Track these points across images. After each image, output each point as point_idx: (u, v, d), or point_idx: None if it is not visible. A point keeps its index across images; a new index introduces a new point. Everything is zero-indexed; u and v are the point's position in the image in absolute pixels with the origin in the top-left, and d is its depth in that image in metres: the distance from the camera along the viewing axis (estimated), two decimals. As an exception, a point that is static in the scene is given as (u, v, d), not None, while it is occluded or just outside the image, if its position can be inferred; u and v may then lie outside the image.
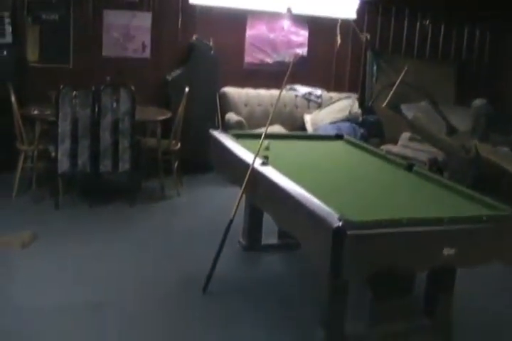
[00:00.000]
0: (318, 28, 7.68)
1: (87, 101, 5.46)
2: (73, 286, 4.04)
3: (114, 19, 7.02)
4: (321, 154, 4.80)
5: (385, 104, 6.63)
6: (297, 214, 3.46)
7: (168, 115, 6.10)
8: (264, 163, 4.06)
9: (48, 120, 5.59)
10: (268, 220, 4.39)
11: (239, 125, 6.53)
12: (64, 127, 5.40)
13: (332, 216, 3.14)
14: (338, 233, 3.04)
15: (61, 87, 5.38)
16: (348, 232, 3.04)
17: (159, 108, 6.44)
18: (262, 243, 4.81)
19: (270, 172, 3.88)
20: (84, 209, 5.53)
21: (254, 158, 4.05)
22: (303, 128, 7.03)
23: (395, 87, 6.62)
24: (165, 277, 4.25)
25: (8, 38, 6.54)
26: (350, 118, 6.94)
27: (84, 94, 5.44)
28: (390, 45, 8.01)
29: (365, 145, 5.04)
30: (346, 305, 3.44)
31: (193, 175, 6.59)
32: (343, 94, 7.49)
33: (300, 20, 7.62)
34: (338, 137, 5.25)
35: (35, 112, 5.74)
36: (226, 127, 6.02)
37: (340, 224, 3.05)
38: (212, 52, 6.96)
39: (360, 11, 7.58)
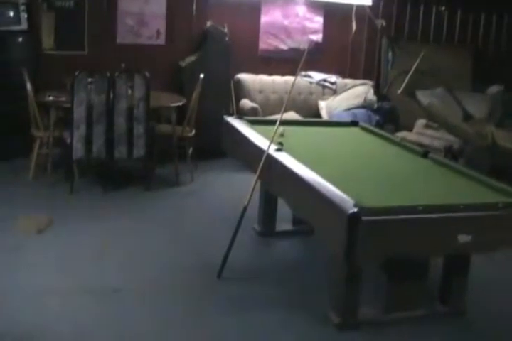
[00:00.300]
0: (334, 14, 7.62)
1: (102, 88, 5.46)
2: (89, 270, 4.07)
3: (129, 6, 7.01)
4: (336, 141, 4.79)
5: (400, 90, 6.57)
6: (312, 200, 3.46)
7: (183, 101, 6.09)
8: (279, 149, 4.06)
9: (63, 106, 5.61)
10: (282, 206, 4.41)
11: (253, 112, 6.51)
12: (79, 113, 5.41)
13: (347, 202, 3.15)
14: (353, 219, 3.05)
15: (76, 73, 5.39)
16: (363, 218, 3.05)
17: (173, 94, 6.44)
18: (277, 229, 4.81)
19: (285, 159, 3.89)
20: (98, 195, 5.55)
21: (269, 145, 4.05)
22: (317, 115, 7.00)
23: (410, 73, 6.55)
24: (180, 262, 4.27)
25: (24, 25, 6.54)
26: (365, 105, 6.89)
27: (99, 80, 5.45)
28: (406, 31, 7.94)
29: (380, 132, 5.02)
30: (359, 290, 3.45)
31: (207, 162, 6.58)
32: (358, 81, 7.44)
33: (315, 6, 7.57)
34: (354, 124, 5.23)
35: (51, 99, 5.76)
36: (240, 114, 6.00)
37: (356, 210, 3.06)
38: (226, 38, 6.93)
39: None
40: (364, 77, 7.62)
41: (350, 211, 3.06)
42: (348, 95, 7.10)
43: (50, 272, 4.02)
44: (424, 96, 6.55)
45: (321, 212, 3.39)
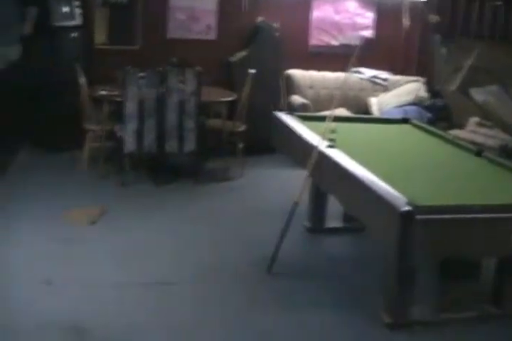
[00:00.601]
0: (385, 9, 7.52)
1: (154, 82, 5.51)
2: (141, 263, 4.11)
3: (180, 1, 7.06)
4: (388, 137, 4.74)
5: (455, 87, 6.45)
6: (364, 198, 3.43)
7: (233, 96, 6.10)
8: (330, 146, 4.03)
9: (115, 100, 5.67)
10: (333, 203, 4.38)
11: (303, 107, 6.48)
12: (130, 108, 5.47)
13: (400, 200, 3.12)
14: (407, 217, 3.02)
15: (128, 68, 5.45)
16: (417, 217, 3.01)
17: (224, 89, 6.45)
18: (327, 226, 4.78)
19: (337, 155, 3.86)
20: (149, 188, 5.61)
21: (321, 141, 4.02)
22: (367, 111, 6.92)
23: (465, 70, 6.43)
24: (230, 257, 4.29)
25: (78, 20, 6.65)
26: (416, 102, 6.78)
27: (150, 74, 5.49)
28: (460, 27, 7.77)
29: (432, 129, 4.95)
30: (413, 291, 3.40)
31: (256, 157, 6.57)
32: (410, 78, 7.32)
33: (366, 1, 7.49)
34: (405, 121, 5.17)
35: (103, 93, 5.84)
36: (290, 110, 5.97)
37: (409, 208, 3.02)
38: (277, 34, 6.90)
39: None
40: (416, 74, 7.49)
41: (404, 209, 3.02)
42: (399, 92, 7.01)
43: (103, 264, 4.08)
44: (478, 94, 6.42)
45: (373, 210, 3.36)
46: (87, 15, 6.79)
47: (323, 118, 4.66)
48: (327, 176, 4.00)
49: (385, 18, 7.57)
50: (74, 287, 3.72)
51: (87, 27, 6.78)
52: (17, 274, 3.84)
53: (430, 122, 6.31)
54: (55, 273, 3.85)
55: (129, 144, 5.52)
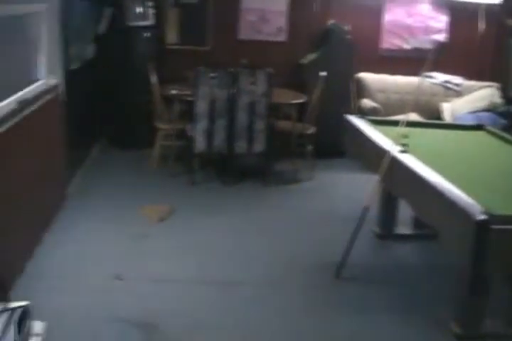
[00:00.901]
0: (459, 13, 7.36)
1: (225, 83, 5.54)
2: (207, 262, 4.15)
3: (251, 2, 7.09)
4: (462, 144, 4.64)
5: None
6: (438, 205, 3.36)
7: (304, 99, 6.08)
8: (403, 151, 3.97)
9: (186, 100, 5.73)
10: (403, 208, 4.32)
11: (374, 111, 6.41)
12: (201, 107, 5.51)
13: (475, 208, 3.03)
14: (482, 227, 2.93)
15: (199, 68, 5.49)
16: (493, 226, 2.92)
17: (294, 91, 6.43)
18: (396, 232, 4.71)
19: (410, 161, 3.80)
20: (218, 187, 5.66)
21: (393, 145, 3.96)
22: (439, 117, 6.79)
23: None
24: (298, 259, 4.27)
25: (151, 21, 6.75)
26: (490, 108, 6.62)
27: (221, 75, 5.53)
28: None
29: (508, 136, 4.80)
30: (486, 302, 3.31)
31: (326, 160, 6.55)
32: (484, 83, 7.15)
33: (440, 5, 7.34)
34: (479, 127, 5.04)
35: (174, 92, 5.90)
36: (360, 113, 5.91)
37: (485, 217, 2.93)
38: (348, 36, 6.85)
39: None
40: (491, 79, 7.31)
41: (479, 218, 2.94)
42: (472, 97, 6.85)
43: (171, 260, 4.13)
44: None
45: (447, 217, 3.28)
46: (160, 16, 6.90)
47: (395, 123, 4.61)
48: (399, 181, 3.93)
49: (458, 21, 7.41)
50: (143, 283, 3.78)
51: (159, 27, 6.89)
52: (88, 269, 3.93)
53: (504, 129, 6.14)
54: (125, 269, 3.93)
55: (199, 144, 5.58)
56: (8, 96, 3.63)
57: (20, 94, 3.82)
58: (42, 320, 2.73)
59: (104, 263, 4.01)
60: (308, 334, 3.37)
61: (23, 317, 2.31)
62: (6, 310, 2.30)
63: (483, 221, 2.93)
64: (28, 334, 2.35)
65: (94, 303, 3.49)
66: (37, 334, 2.52)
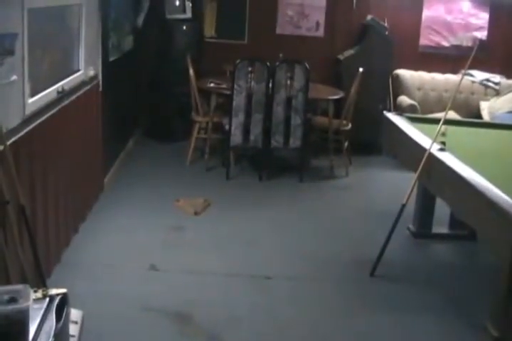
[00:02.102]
0: (501, 10, 7.23)
1: (262, 77, 5.53)
2: (242, 255, 4.16)
3: (290, -3, 7.05)
4: (502, 144, 4.57)
5: None
6: (477, 204, 3.30)
7: (341, 94, 6.03)
8: (442, 149, 3.91)
9: (223, 93, 5.73)
10: (440, 207, 4.26)
11: (411, 109, 6.32)
12: (238, 101, 5.51)
13: (516, 209, 2.96)
14: (523, 228, 2.86)
15: (237, 61, 5.48)
16: (534, 228, 2.86)
17: (331, 87, 6.39)
18: (433, 231, 4.66)
19: (449, 159, 3.74)
20: (254, 182, 5.65)
21: (432, 143, 3.91)
22: (478, 115, 6.69)
23: None
24: (332, 256, 4.25)
25: (188, 14, 6.77)
26: (531, 108, 6.52)
27: (259, 69, 5.51)
28: None
29: (549, 137, 4.72)
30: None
31: (361, 156, 6.51)
32: (525, 82, 7.05)
33: (481, 2, 7.22)
34: (520, 127, 4.96)
35: (211, 85, 5.90)
36: (398, 110, 5.85)
37: (526, 217, 2.87)
38: (386, 32, 6.79)
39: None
40: (531, 79, 7.20)
41: (520, 218, 2.88)
42: (512, 97, 6.75)
43: (207, 253, 4.15)
44: None
45: (486, 217, 3.22)
46: (198, 9, 6.90)
47: (432, 121, 4.56)
48: (437, 180, 3.88)
49: (499, 19, 7.28)
50: (178, 274, 3.80)
51: (197, 20, 6.90)
52: (123, 258, 3.96)
53: (544, 129, 6.04)
54: (160, 260, 3.95)
55: (235, 137, 5.57)
56: (49, 86, 3.66)
57: (60, 84, 3.84)
58: (78, 308, 2.74)
59: (139, 253, 4.04)
60: (341, 330, 3.35)
61: (62, 305, 2.31)
62: (45, 296, 2.31)
63: (524, 221, 2.87)
64: (67, 322, 2.36)
65: (129, 293, 3.52)
66: (74, 322, 2.53)
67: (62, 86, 3.85)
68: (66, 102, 3.86)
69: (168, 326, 3.23)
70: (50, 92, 3.63)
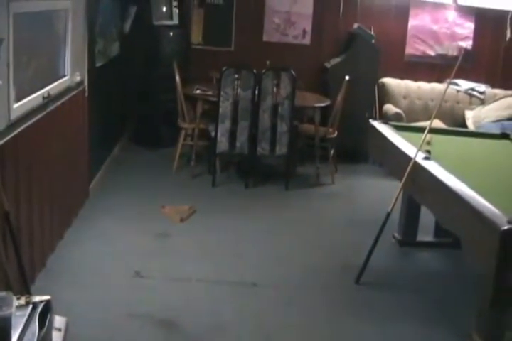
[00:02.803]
0: (486, 20, 7.31)
1: (249, 84, 5.53)
2: (227, 263, 4.14)
3: (276, 5, 7.10)
4: (486, 152, 4.60)
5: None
6: (462, 213, 3.32)
7: (327, 102, 6.05)
8: (427, 158, 3.94)
9: (210, 100, 5.72)
10: (424, 216, 4.28)
11: (397, 117, 6.36)
12: (225, 108, 5.51)
13: (500, 217, 2.98)
14: (507, 236, 2.88)
15: (224, 68, 5.48)
16: (518, 236, 2.88)
17: (317, 95, 6.42)
18: (418, 239, 4.67)
19: (434, 168, 3.76)
20: (240, 189, 5.65)
21: (417, 152, 3.94)
22: (463, 124, 6.74)
23: None
24: (317, 263, 4.25)
25: (175, 20, 6.77)
26: (515, 118, 6.58)
27: (246, 76, 5.52)
28: None
29: (534, 146, 4.76)
30: (508, 313, 3.26)
31: (348, 164, 6.54)
32: (509, 92, 7.07)
33: (466, 11, 7.29)
34: (504, 136, 4.99)
35: (198, 92, 5.90)
36: (384, 118, 5.89)
37: (510, 226, 2.89)
38: (373, 41, 6.83)
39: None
40: (515, 88, 7.26)
41: (504, 227, 2.89)
42: (497, 106, 6.79)
43: (192, 260, 4.14)
44: None
45: (471, 226, 3.24)
46: (185, 16, 6.91)
47: (418, 129, 4.58)
48: (422, 188, 3.90)
49: (484, 28, 7.36)
50: (164, 281, 3.79)
51: (184, 27, 6.91)
52: (109, 265, 3.94)
53: (529, 139, 6.10)
54: (146, 267, 3.93)
55: (222, 144, 5.57)
56: (35, 91, 3.64)
57: (45, 89, 3.83)
58: (62, 315, 2.72)
59: (124, 260, 4.02)
60: (327, 338, 3.35)
61: (46, 312, 2.30)
62: (28, 303, 2.29)
63: (508, 230, 2.89)
64: (50, 329, 2.34)
65: (114, 299, 3.50)
66: (58, 329, 2.52)
67: (48, 91, 3.83)
68: (52, 108, 3.84)
69: (154, 333, 3.22)
70: (35, 97, 3.61)
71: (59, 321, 2.63)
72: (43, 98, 3.73)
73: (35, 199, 3.52)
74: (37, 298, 2.36)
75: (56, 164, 3.97)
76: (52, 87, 3.95)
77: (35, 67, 3.71)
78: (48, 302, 2.36)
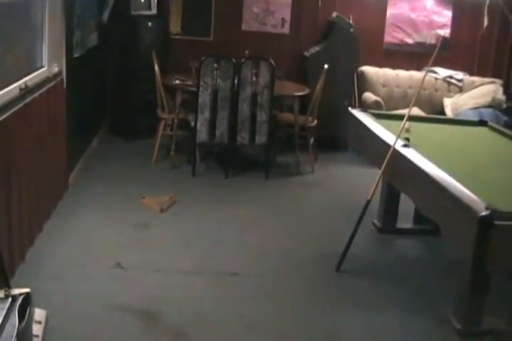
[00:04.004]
0: (463, 8, 7.34)
1: (228, 74, 5.51)
2: (208, 253, 4.15)
3: (255, -6, 7.06)
4: (465, 140, 4.64)
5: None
6: (440, 199, 3.36)
7: (306, 91, 6.04)
8: (406, 145, 3.97)
9: (189, 90, 5.70)
10: (404, 203, 4.31)
11: (376, 105, 6.39)
12: (204, 98, 5.49)
13: (479, 204, 3.03)
14: (485, 222, 2.93)
15: (203, 58, 5.46)
16: (496, 222, 2.91)
17: (297, 84, 6.42)
18: (397, 226, 4.71)
19: (412, 155, 3.80)
20: (219, 179, 5.64)
21: (396, 140, 3.96)
22: (441, 112, 6.78)
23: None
24: (298, 252, 4.26)
25: (154, 10, 6.73)
26: (493, 105, 6.61)
27: (225, 66, 5.50)
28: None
29: (511, 133, 4.80)
30: (486, 298, 3.31)
31: (327, 152, 6.56)
32: (487, 79, 7.13)
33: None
34: (482, 123, 5.04)
35: (177, 82, 5.87)
36: (363, 107, 5.91)
37: (488, 212, 2.92)
38: (351, 30, 6.83)
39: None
40: (493, 75, 7.29)
41: (482, 214, 2.93)
42: (475, 93, 6.83)
43: (173, 251, 4.14)
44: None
45: (450, 212, 3.28)
46: (163, 5, 6.86)
47: (397, 117, 4.61)
48: (401, 175, 3.94)
49: (462, 16, 7.38)
50: (145, 272, 3.78)
51: (163, 17, 6.86)
52: (88, 257, 3.92)
53: (506, 126, 6.14)
54: (126, 258, 3.93)
55: (201, 134, 5.56)
56: (11, 83, 3.61)
57: (22, 81, 3.79)
58: (42, 307, 2.72)
59: (104, 251, 4.01)
60: (307, 327, 3.37)
61: (25, 305, 2.29)
62: (8, 296, 2.28)
63: (486, 216, 2.92)
64: (30, 322, 2.33)
65: (94, 291, 3.49)
66: (38, 322, 2.51)
67: (26, 82, 3.80)
68: (29, 99, 3.81)
69: (135, 324, 3.21)
70: (12, 89, 3.58)
71: (39, 314, 2.63)
72: (20, 89, 3.69)
73: (13, 192, 3.49)
74: (16, 291, 2.35)
75: (34, 156, 3.93)
76: (29, 78, 3.91)
77: (11, 58, 3.67)
78: (27, 295, 2.35)
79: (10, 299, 2.28)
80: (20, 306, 2.26)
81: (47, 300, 2.99)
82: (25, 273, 3.56)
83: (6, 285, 3.05)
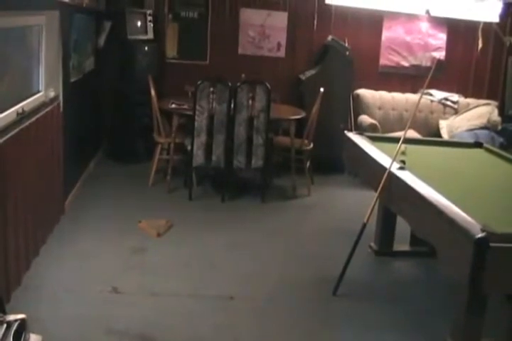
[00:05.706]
0: (458, 31, 7.43)
1: (224, 97, 5.54)
2: (204, 277, 4.13)
3: (251, 18, 7.13)
4: (460, 161, 4.64)
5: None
6: (436, 222, 3.35)
7: (302, 114, 6.08)
8: (401, 168, 3.97)
9: (185, 114, 5.72)
10: (400, 225, 4.31)
11: (372, 128, 6.43)
12: (200, 121, 5.51)
13: (474, 226, 3.02)
14: (481, 244, 2.91)
15: (199, 82, 5.49)
16: (492, 244, 2.91)
17: (293, 107, 6.46)
18: (394, 249, 4.71)
19: (408, 177, 3.80)
20: (216, 202, 5.64)
21: (392, 162, 3.97)
22: (437, 134, 6.82)
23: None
24: (295, 275, 4.25)
25: (150, 35, 6.79)
26: (488, 126, 6.65)
27: (221, 89, 5.53)
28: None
29: (506, 154, 4.81)
30: (483, 320, 3.29)
31: (324, 176, 6.58)
32: (482, 101, 7.19)
33: (439, 22, 7.40)
34: (477, 145, 5.06)
35: (173, 106, 5.90)
36: (359, 129, 5.93)
37: (483, 235, 2.92)
38: (347, 53, 6.89)
39: (503, 14, 7.23)
40: (488, 97, 7.36)
41: (478, 236, 2.92)
42: (470, 115, 6.88)
43: (169, 275, 4.12)
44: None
45: (445, 235, 3.27)
46: (159, 30, 6.93)
47: (393, 140, 4.62)
48: (397, 198, 3.93)
49: (456, 39, 7.48)
50: (141, 296, 3.77)
51: (159, 41, 6.93)
52: (85, 281, 3.90)
53: (502, 147, 6.17)
54: (123, 282, 3.91)
55: (198, 158, 5.57)
56: (8, 107, 3.63)
57: (19, 105, 3.81)
58: (38, 332, 2.70)
59: (101, 275, 3.99)
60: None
61: (20, 330, 2.29)
62: (2, 323, 2.27)
63: (481, 239, 2.92)
64: (25, 348, 2.32)
65: (91, 316, 3.47)
66: (33, 348, 2.50)
67: (22, 107, 3.82)
68: (26, 124, 3.82)
69: (131, 349, 3.20)
70: (9, 114, 3.60)
71: (34, 339, 2.61)
72: (17, 114, 3.71)
73: (9, 216, 3.48)
74: (11, 317, 2.34)
75: (30, 180, 3.94)
76: (26, 103, 3.94)
77: (8, 83, 3.70)
78: (22, 321, 2.35)
79: (5, 325, 2.27)
80: (15, 332, 2.26)
81: (44, 325, 2.98)
82: (21, 297, 3.54)
83: (1, 311, 3.04)
